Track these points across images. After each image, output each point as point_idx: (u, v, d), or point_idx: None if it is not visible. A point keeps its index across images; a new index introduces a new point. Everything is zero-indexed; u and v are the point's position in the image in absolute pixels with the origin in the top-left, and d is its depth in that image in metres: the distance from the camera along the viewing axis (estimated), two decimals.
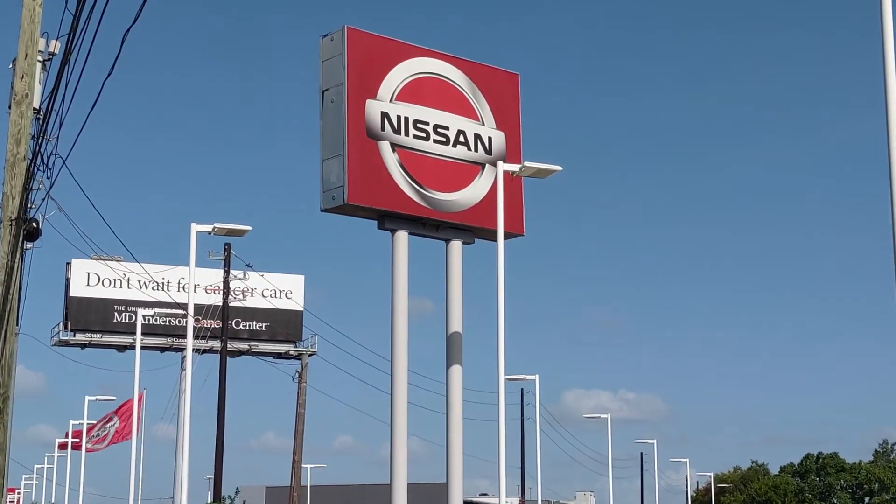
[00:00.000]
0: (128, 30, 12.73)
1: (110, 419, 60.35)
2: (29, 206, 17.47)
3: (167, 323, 67.73)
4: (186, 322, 30.67)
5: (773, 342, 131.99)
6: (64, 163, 17.84)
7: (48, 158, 17.91)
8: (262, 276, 65.91)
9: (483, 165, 27.97)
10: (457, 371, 26.92)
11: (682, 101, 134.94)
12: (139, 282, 67.37)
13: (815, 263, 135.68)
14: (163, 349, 70.62)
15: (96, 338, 69.58)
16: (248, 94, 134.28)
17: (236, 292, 62.25)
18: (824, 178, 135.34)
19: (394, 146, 26.63)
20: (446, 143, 27.54)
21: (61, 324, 69.56)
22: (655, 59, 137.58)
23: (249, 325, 72.18)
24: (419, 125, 27.16)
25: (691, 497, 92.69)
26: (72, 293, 69.11)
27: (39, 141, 17.67)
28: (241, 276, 55.59)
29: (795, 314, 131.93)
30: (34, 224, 17.41)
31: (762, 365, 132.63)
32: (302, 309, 71.58)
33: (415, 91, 27.28)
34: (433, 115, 27.44)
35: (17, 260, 16.97)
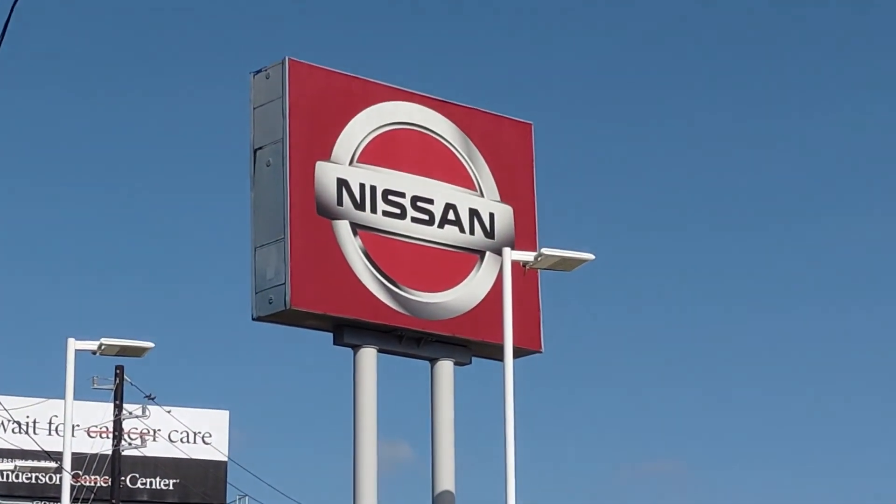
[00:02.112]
0: None
1: None
2: None
3: (33, 480, 67.15)
4: (61, 479, 30.17)
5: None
6: None
7: None
8: (170, 412, 65.29)
9: (483, 253, 28.05)
10: None
11: (758, 154, 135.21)
12: None
13: None
14: None
15: None
16: (148, 156, 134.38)
17: (132, 435, 61.63)
18: None
19: (356, 227, 26.73)
20: (430, 222, 27.62)
21: None
22: (713, 99, 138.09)
23: (151, 483, 71.67)
24: (392, 197, 27.27)
25: None
26: None
27: None
28: (140, 412, 55.09)
29: None
30: None
31: None
32: (226, 458, 70.98)
33: (385, 149, 27.40)
34: (411, 184, 27.57)
35: None
